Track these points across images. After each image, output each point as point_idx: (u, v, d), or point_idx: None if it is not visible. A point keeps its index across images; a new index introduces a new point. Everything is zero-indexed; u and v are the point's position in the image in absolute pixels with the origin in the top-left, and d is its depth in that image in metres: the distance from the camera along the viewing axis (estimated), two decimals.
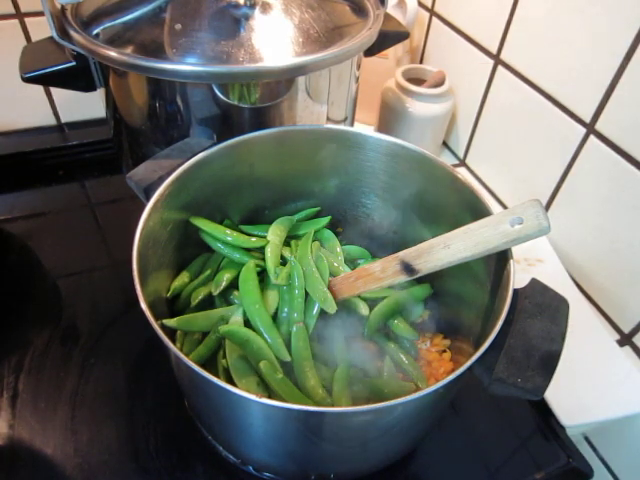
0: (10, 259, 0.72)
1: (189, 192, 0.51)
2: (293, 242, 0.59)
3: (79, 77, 0.60)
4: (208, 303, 0.53)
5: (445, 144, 0.97)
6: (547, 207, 0.74)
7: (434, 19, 0.91)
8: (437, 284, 0.58)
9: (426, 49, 0.96)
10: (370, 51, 0.65)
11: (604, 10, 0.59)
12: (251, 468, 0.51)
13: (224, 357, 0.47)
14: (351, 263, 0.60)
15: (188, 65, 0.52)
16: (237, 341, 0.47)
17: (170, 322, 0.47)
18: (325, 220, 0.62)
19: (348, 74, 0.65)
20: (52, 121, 0.92)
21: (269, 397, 0.34)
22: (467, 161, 0.92)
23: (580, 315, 0.66)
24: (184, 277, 0.54)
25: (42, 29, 0.62)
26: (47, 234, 0.75)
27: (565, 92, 0.67)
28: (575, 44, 0.64)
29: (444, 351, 0.55)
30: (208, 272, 0.55)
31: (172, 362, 0.43)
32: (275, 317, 0.51)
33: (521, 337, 0.38)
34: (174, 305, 0.53)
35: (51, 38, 0.57)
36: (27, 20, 0.79)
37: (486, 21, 0.78)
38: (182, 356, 0.35)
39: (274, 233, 0.57)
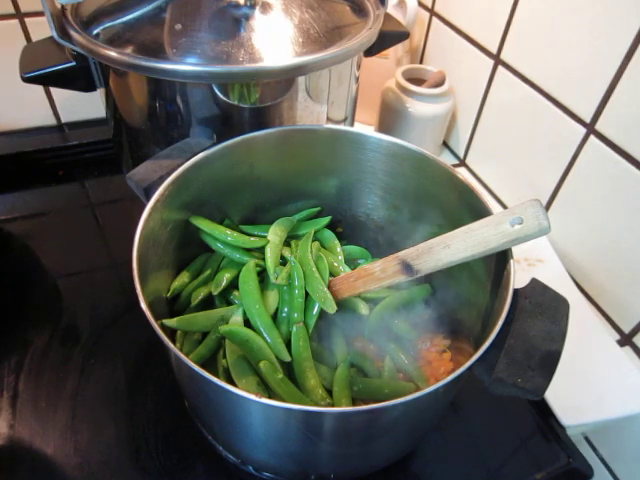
0: (10, 259, 0.72)
1: (189, 192, 0.51)
2: (293, 242, 0.59)
3: (79, 77, 0.60)
4: (208, 303, 0.54)
5: (445, 144, 0.97)
6: (547, 207, 0.74)
7: (434, 19, 0.91)
8: (437, 284, 0.58)
9: (426, 49, 0.96)
10: (370, 51, 0.65)
11: (604, 10, 0.59)
12: (251, 468, 0.51)
13: (224, 357, 0.47)
14: (351, 263, 0.60)
15: (188, 65, 0.52)
16: (237, 341, 0.47)
17: (170, 322, 0.47)
18: (325, 220, 0.62)
19: (348, 74, 0.65)
20: (52, 121, 0.92)
21: (269, 397, 0.34)
22: (467, 161, 0.92)
23: (580, 315, 0.66)
24: (184, 277, 0.54)
25: (42, 29, 0.62)
26: (47, 234, 0.75)
27: (565, 92, 0.67)
28: (575, 44, 0.64)
29: (444, 351, 0.55)
30: (208, 272, 0.55)
31: (172, 362, 0.43)
32: (275, 317, 0.51)
33: (521, 337, 0.38)
34: (174, 305, 0.53)
35: (51, 38, 0.57)
36: (27, 20, 0.79)
37: (486, 21, 0.78)
38: (182, 356, 0.35)
39: (274, 233, 0.57)
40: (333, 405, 0.46)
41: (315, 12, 0.59)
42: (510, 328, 0.38)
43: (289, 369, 0.47)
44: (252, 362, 0.46)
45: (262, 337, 0.48)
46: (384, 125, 0.90)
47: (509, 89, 0.76)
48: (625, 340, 0.65)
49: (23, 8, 0.78)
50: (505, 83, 0.77)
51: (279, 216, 0.60)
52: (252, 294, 0.50)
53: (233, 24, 0.55)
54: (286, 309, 0.51)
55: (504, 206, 0.84)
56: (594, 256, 0.68)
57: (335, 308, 0.49)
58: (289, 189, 0.60)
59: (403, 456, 0.52)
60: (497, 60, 0.77)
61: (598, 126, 0.63)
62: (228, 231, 0.55)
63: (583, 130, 0.65)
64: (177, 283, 0.53)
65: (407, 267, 0.46)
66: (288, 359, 0.47)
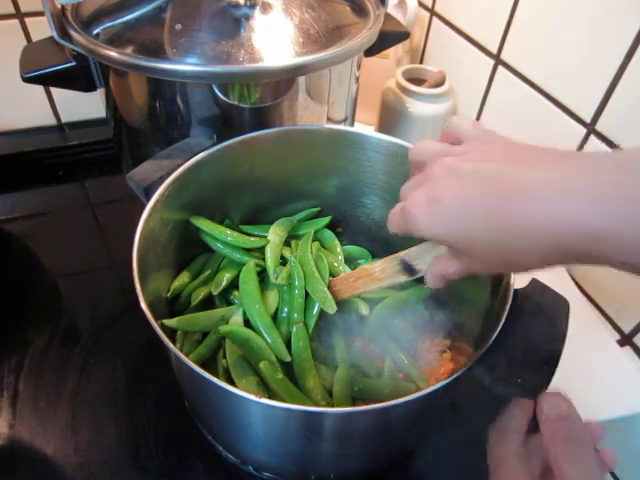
0: (10, 259, 0.72)
1: (189, 192, 0.51)
2: (293, 242, 0.59)
3: (79, 77, 0.60)
4: (208, 303, 0.54)
5: None
6: None
7: (434, 19, 0.91)
8: None
9: (426, 49, 0.96)
10: (370, 51, 0.65)
11: (604, 10, 0.59)
12: (251, 468, 0.51)
13: (224, 357, 0.47)
14: (351, 263, 0.60)
15: (188, 65, 0.52)
16: (237, 341, 0.47)
17: (170, 322, 0.47)
18: (325, 220, 0.62)
19: (348, 74, 0.65)
20: (52, 121, 0.92)
21: (269, 397, 0.34)
22: None
23: (580, 315, 0.66)
24: (184, 277, 0.54)
25: (42, 29, 0.62)
26: (47, 234, 0.75)
27: (565, 92, 0.67)
28: (575, 44, 0.64)
29: (444, 351, 0.55)
30: (208, 272, 0.55)
31: (172, 362, 0.43)
32: (275, 317, 0.51)
33: (521, 337, 0.38)
34: (174, 305, 0.53)
35: (51, 38, 0.57)
36: (27, 20, 0.79)
37: (486, 21, 0.78)
38: (182, 356, 0.35)
39: (274, 233, 0.57)
40: (333, 405, 0.46)
41: (315, 12, 0.59)
42: (510, 328, 0.38)
43: (289, 369, 0.47)
44: (252, 362, 0.46)
45: (262, 337, 0.48)
46: (384, 125, 0.90)
47: (509, 89, 0.76)
48: (625, 340, 0.65)
49: (23, 8, 0.78)
50: (505, 83, 0.77)
51: (279, 216, 0.60)
52: (252, 294, 0.50)
53: (233, 24, 0.55)
54: (286, 309, 0.51)
55: None
56: None
57: (335, 308, 0.49)
58: (289, 189, 0.60)
59: (403, 456, 0.52)
60: (497, 60, 0.77)
61: (598, 126, 0.63)
62: (228, 231, 0.55)
63: (583, 130, 0.65)
64: (177, 283, 0.53)
65: (407, 267, 0.46)
66: (288, 359, 0.47)
